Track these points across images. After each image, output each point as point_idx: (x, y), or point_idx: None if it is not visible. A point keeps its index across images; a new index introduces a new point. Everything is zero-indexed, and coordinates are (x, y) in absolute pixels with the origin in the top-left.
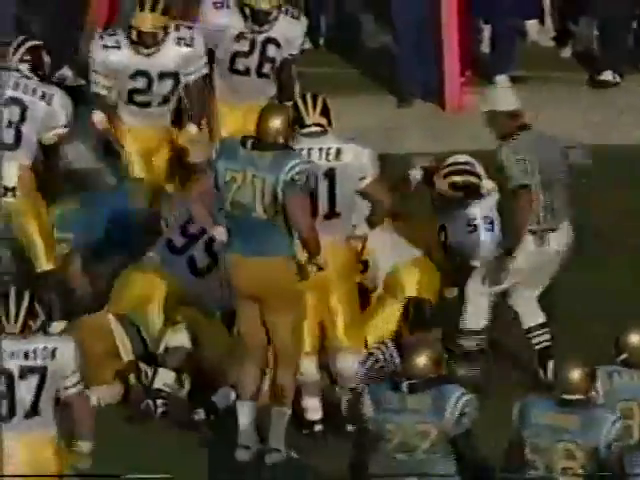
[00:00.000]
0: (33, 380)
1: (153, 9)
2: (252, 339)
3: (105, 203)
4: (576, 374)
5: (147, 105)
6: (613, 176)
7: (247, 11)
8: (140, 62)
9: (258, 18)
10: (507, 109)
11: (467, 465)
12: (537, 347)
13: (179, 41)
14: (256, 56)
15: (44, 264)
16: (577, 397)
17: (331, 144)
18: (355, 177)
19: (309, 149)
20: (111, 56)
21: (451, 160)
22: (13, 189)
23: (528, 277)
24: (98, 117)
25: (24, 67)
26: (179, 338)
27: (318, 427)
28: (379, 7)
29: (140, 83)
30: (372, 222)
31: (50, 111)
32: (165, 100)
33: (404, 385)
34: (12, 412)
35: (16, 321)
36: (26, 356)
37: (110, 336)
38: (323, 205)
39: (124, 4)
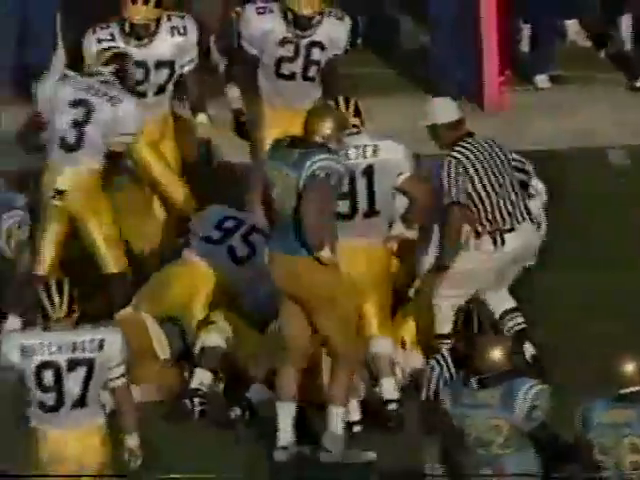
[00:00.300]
0: (81, 372)
1: (146, 2)
2: (294, 340)
3: None
4: (630, 367)
5: (143, 95)
6: None
7: (290, 16)
8: (136, 53)
9: (301, 23)
10: (448, 120)
11: (549, 458)
12: (513, 330)
13: (172, 30)
14: (301, 60)
15: (111, 266)
16: (633, 389)
17: (367, 142)
18: (393, 173)
19: (346, 148)
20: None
21: None
22: (62, 192)
23: (493, 278)
24: None
25: (106, 71)
26: (214, 338)
27: (357, 428)
28: (417, 7)
29: (137, 74)
30: (408, 220)
31: (115, 115)
32: (160, 89)
33: (473, 381)
34: (60, 403)
35: (61, 305)
36: (74, 348)
37: (145, 335)
38: (362, 203)
39: None
